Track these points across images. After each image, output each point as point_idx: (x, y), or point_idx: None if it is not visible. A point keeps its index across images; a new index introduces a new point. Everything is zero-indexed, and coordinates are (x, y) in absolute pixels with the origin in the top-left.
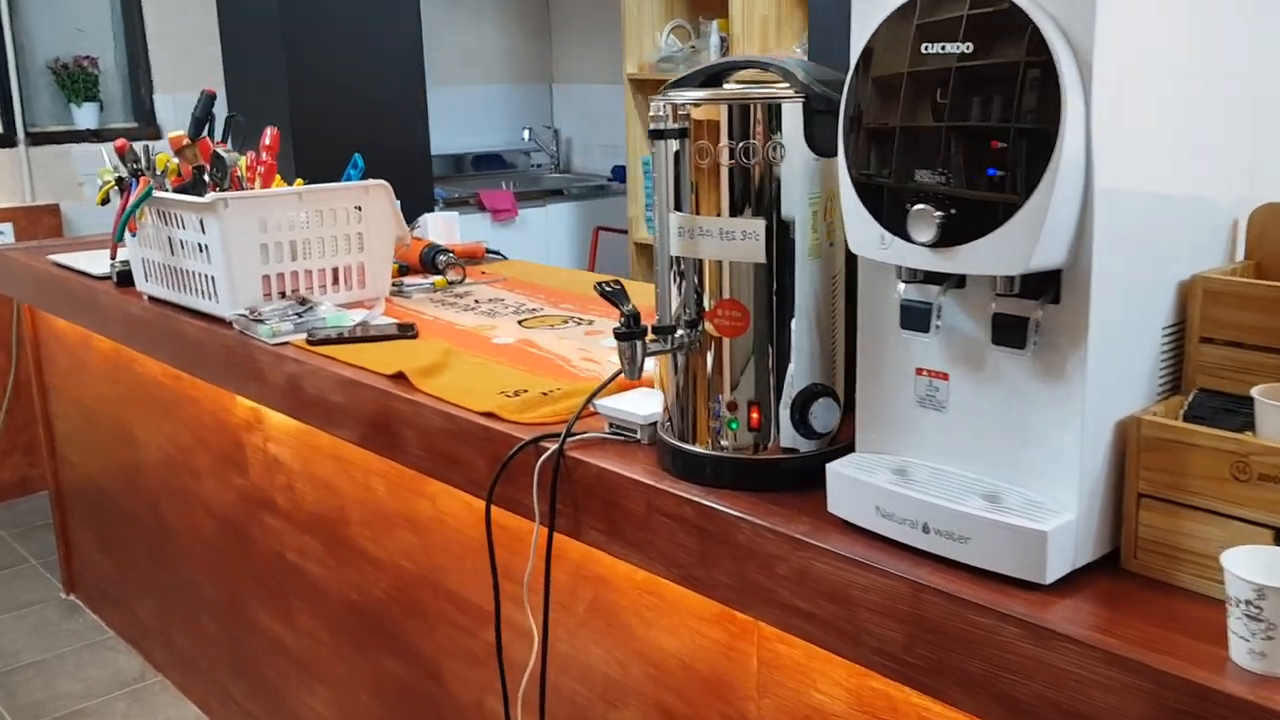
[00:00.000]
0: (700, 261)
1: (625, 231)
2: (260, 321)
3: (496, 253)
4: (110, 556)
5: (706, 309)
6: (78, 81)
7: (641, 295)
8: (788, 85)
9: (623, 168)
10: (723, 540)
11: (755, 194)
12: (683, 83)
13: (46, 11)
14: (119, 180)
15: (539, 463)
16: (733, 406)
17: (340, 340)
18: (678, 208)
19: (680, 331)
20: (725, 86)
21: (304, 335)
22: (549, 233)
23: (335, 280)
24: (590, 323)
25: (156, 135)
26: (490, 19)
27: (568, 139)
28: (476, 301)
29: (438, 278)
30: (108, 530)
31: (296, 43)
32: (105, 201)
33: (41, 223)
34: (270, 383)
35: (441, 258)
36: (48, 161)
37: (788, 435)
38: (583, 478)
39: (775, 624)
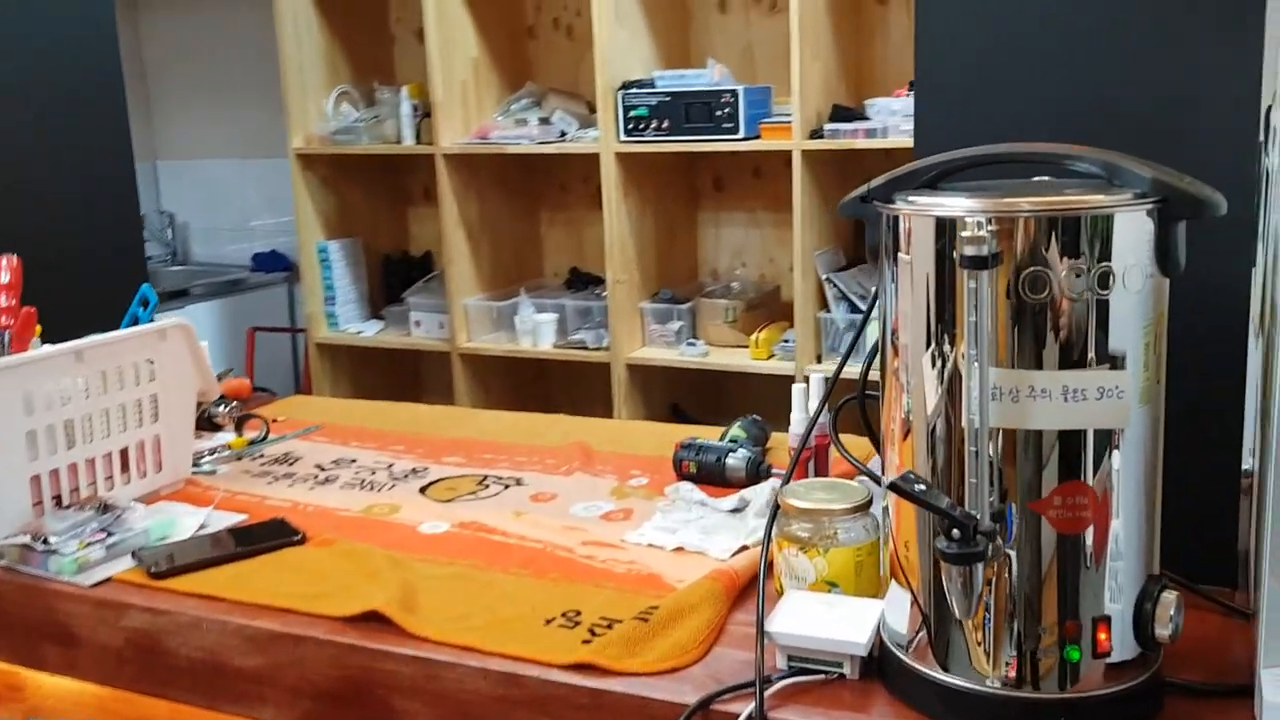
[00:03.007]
0: (1023, 434)
1: (290, 330)
2: (52, 551)
3: (264, 389)
4: None
5: (1035, 499)
6: None
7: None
8: (1117, 184)
9: (266, 254)
10: None
11: (1094, 334)
12: (904, 182)
13: None
14: None
15: None
16: (1073, 629)
17: (200, 565)
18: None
19: (996, 533)
20: (1025, 192)
21: (130, 563)
22: None
23: (125, 466)
24: (517, 482)
25: None
26: None
27: (184, 224)
28: (319, 468)
29: (232, 437)
30: None
31: None
32: None
33: None
34: (94, 646)
35: (221, 408)
36: None
37: (1120, 649)
38: None
39: None
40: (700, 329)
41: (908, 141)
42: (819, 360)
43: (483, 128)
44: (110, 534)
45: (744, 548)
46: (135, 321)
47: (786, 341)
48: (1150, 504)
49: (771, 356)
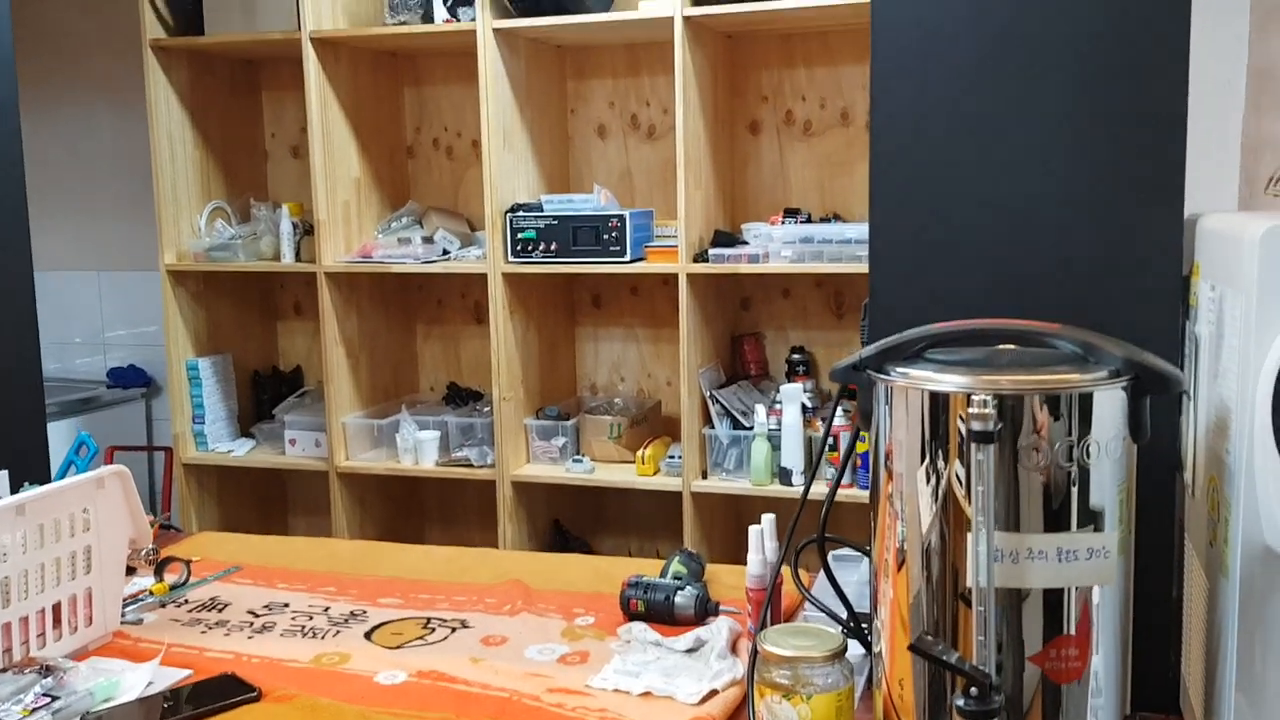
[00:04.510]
0: (1015, 591)
1: (150, 449)
2: None
3: (170, 526)
4: None
5: (1028, 652)
6: None
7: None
8: (1093, 361)
9: (121, 370)
10: None
11: (1077, 498)
12: (893, 353)
13: None
14: None
15: None
16: None
17: None
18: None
19: (998, 688)
20: (1000, 366)
21: None
22: None
23: (56, 621)
24: (463, 624)
25: None
26: None
27: None
28: (252, 614)
29: (150, 582)
30: None
31: None
32: None
33: None
34: None
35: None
36: None
37: None
38: None
39: None
40: (584, 445)
41: (788, 267)
42: (704, 476)
43: (365, 246)
44: (54, 698)
45: (713, 691)
46: (74, 467)
47: (673, 458)
48: (1124, 645)
49: (658, 472)
